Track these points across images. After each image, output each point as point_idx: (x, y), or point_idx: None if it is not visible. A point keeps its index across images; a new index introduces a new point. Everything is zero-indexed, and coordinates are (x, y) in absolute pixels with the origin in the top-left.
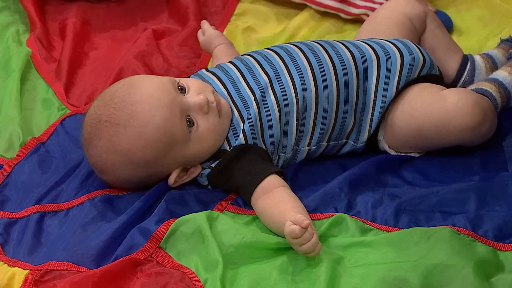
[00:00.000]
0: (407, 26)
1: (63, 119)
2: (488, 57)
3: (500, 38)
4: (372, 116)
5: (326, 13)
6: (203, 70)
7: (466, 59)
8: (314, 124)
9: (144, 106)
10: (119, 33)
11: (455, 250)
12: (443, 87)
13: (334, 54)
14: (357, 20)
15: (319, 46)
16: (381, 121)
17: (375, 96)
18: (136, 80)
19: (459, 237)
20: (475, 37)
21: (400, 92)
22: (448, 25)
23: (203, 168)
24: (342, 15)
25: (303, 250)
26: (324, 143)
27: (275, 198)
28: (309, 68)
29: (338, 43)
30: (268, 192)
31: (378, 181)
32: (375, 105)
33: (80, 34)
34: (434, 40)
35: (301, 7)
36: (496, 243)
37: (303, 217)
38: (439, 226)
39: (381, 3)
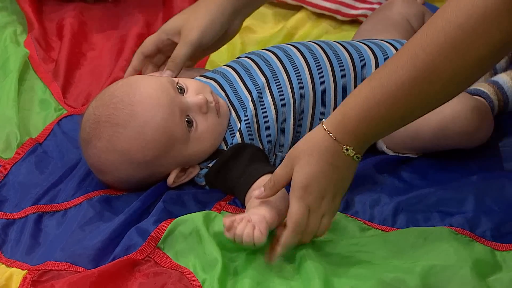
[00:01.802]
0: (405, 27)
1: (60, 120)
2: None
3: None
4: None
5: (323, 13)
6: (198, 77)
7: None
8: (312, 124)
9: (144, 106)
10: (115, 33)
11: (453, 250)
12: None
13: (332, 54)
14: (355, 21)
15: (317, 46)
16: None
17: None
18: (135, 80)
19: (457, 237)
20: None
21: None
22: None
23: (201, 168)
24: (339, 17)
25: (246, 246)
26: None
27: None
28: (306, 67)
29: (336, 43)
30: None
31: (376, 181)
32: None
33: (78, 35)
34: None
35: (298, 7)
36: (493, 243)
37: (225, 219)
38: (437, 226)
39: (379, 3)
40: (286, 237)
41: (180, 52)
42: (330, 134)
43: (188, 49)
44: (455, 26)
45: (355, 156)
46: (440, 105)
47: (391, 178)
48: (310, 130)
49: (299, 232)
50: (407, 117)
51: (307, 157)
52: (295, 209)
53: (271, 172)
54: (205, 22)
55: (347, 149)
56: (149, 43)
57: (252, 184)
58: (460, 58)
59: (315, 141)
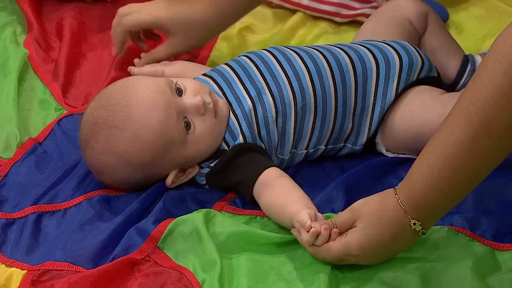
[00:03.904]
0: (407, 27)
1: (60, 119)
2: None
3: None
4: (371, 119)
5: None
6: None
7: (467, 60)
8: (313, 128)
9: (141, 108)
10: None
11: (453, 250)
12: (443, 91)
13: (332, 58)
14: (354, 21)
15: (317, 52)
16: (379, 124)
17: (375, 100)
18: (132, 82)
19: (457, 236)
20: (473, 37)
21: (399, 95)
22: (443, 16)
23: (202, 167)
24: (338, 19)
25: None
26: (322, 147)
27: (275, 193)
28: (306, 72)
29: (336, 47)
30: (266, 187)
31: (376, 182)
32: (374, 108)
33: (77, 35)
34: (435, 41)
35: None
36: (493, 243)
37: (304, 219)
38: (437, 225)
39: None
40: (306, 247)
41: (161, 55)
42: (401, 205)
43: (169, 56)
44: (501, 74)
45: (420, 232)
46: (504, 158)
47: (391, 179)
48: (311, 134)
49: (316, 255)
50: (474, 178)
51: (375, 220)
52: (335, 252)
53: (276, 167)
54: (194, 44)
55: (414, 223)
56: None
57: (257, 178)
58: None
59: (386, 206)
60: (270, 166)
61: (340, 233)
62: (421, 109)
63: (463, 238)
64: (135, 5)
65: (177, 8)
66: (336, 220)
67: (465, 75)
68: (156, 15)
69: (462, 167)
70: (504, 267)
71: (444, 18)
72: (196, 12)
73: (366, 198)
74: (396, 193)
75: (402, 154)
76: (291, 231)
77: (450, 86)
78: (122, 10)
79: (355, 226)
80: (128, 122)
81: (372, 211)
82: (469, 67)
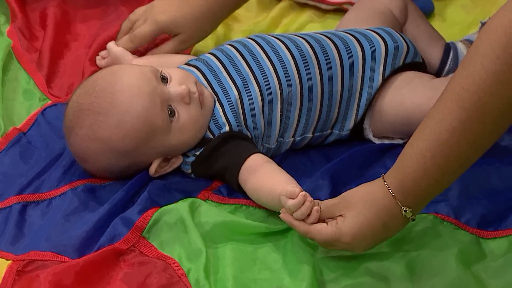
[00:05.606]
0: (389, 17)
1: (44, 109)
2: (470, 43)
3: (480, 21)
4: (358, 105)
5: (307, 3)
6: (182, 65)
7: (448, 47)
8: (299, 116)
9: (125, 95)
10: (99, 23)
11: (438, 238)
12: (433, 76)
13: (317, 45)
14: (339, 9)
15: (302, 39)
16: (367, 109)
17: (361, 85)
18: (118, 69)
19: (442, 224)
20: (458, 25)
21: (387, 79)
22: (429, 7)
23: (187, 156)
24: (323, 5)
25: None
26: (309, 135)
27: (262, 176)
28: (292, 60)
29: (321, 35)
30: (253, 172)
31: (361, 171)
32: (361, 94)
33: (61, 24)
34: (416, 30)
35: None
36: (478, 230)
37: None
38: (423, 213)
39: None
40: (296, 227)
41: (170, 51)
42: (392, 193)
43: (177, 51)
44: (494, 59)
45: (410, 218)
46: (493, 143)
47: (377, 167)
48: (298, 122)
49: (308, 237)
50: (465, 163)
51: (364, 209)
52: (326, 235)
53: (262, 153)
54: (200, 36)
55: (405, 211)
56: (143, 34)
57: (243, 163)
58: (505, 90)
59: (375, 196)
60: (255, 152)
61: (322, 217)
62: (412, 93)
63: (448, 226)
64: (140, 12)
65: (178, 7)
66: (322, 202)
67: (448, 62)
68: (158, 22)
69: (455, 153)
70: (489, 255)
71: (429, 9)
72: (198, 7)
73: (353, 189)
74: (385, 182)
75: (390, 138)
76: (280, 215)
77: (434, 74)
78: (128, 21)
79: (342, 215)
80: (112, 108)
81: (362, 201)
82: (451, 54)
